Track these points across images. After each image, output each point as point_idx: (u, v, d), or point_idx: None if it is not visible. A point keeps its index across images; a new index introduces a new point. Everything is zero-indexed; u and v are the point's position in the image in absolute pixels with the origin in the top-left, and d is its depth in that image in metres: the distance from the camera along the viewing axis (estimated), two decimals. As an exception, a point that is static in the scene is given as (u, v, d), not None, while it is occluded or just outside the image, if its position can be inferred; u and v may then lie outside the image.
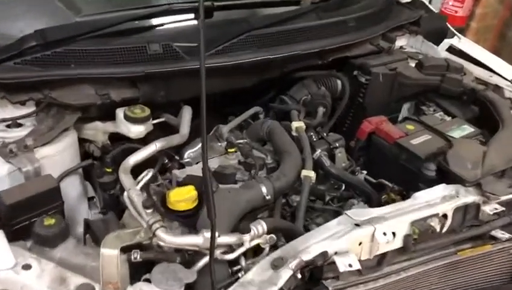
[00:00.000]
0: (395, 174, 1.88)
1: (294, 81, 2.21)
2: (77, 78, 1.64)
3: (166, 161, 1.80)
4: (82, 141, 1.81)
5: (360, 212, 1.51)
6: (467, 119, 2.14)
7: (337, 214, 1.79)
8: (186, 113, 1.80)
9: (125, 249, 1.28)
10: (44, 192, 1.39)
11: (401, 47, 2.53)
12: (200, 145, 1.94)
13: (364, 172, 1.95)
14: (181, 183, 1.72)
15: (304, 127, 1.86)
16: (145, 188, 1.53)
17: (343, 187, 1.89)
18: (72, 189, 1.65)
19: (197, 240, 1.31)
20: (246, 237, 1.32)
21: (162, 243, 1.31)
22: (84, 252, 1.28)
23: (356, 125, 2.19)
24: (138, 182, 1.49)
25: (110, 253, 1.24)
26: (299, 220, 1.60)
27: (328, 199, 1.87)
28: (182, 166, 1.84)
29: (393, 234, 1.46)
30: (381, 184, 1.87)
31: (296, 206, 1.65)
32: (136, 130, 1.65)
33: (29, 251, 1.23)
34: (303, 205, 1.63)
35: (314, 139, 1.89)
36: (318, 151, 1.82)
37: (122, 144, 1.71)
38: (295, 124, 1.85)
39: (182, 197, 1.58)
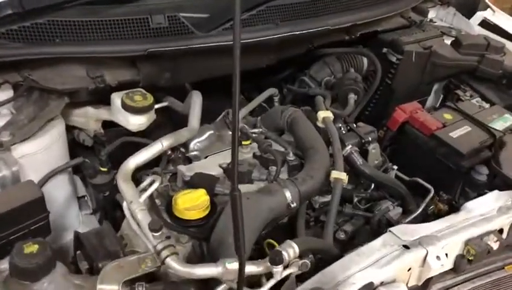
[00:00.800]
0: (429, 170, 1.64)
1: (314, 58, 1.93)
2: (64, 57, 1.34)
3: (169, 152, 1.54)
4: (70, 128, 1.53)
5: (406, 229, 1.27)
6: (505, 107, 1.89)
7: (366, 219, 1.57)
8: (196, 100, 1.51)
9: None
10: (24, 204, 1.12)
11: (430, 20, 2.24)
12: (208, 134, 1.68)
13: (395, 167, 1.70)
14: (189, 184, 1.46)
15: (332, 117, 1.59)
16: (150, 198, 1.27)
17: (372, 186, 1.64)
18: (60, 190, 1.38)
19: (217, 270, 1.06)
20: (278, 269, 1.07)
21: (172, 273, 1.06)
22: (76, 286, 1.03)
23: (381, 110, 1.93)
24: (141, 191, 1.22)
25: (110, 288, 0.98)
26: (328, 234, 1.35)
27: (355, 201, 1.62)
28: (187, 160, 1.57)
29: (446, 255, 1.23)
30: (415, 183, 1.63)
31: (327, 216, 1.40)
32: (137, 122, 1.37)
33: (4, 287, 0.97)
34: (333, 215, 1.38)
35: (343, 132, 1.63)
36: (348, 147, 1.56)
37: (118, 132, 1.42)
38: (322, 114, 1.58)
39: (192, 204, 1.33)
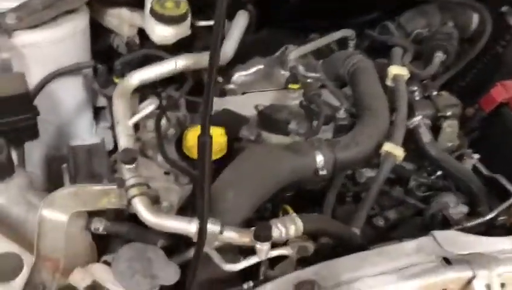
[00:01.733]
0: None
1: (410, 3, 1.55)
2: None
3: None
4: (106, 30, 1.36)
5: (456, 238, 0.96)
6: None
7: (418, 210, 1.26)
8: (240, 21, 1.25)
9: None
10: (5, 97, 0.98)
11: None
12: (256, 68, 1.43)
13: (476, 156, 1.34)
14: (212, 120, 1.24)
15: (407, 76, 1.25)
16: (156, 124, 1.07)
17: (438, 173, 1.31)
18: (70, 95, 1.23)
19: (188, 227, 0.85)
20: (263, 246, 0.83)
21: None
22: (29, 201, 0.87)
23: (482, 84, 1.52)
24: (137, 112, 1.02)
25: (55, 217, 0.82)
26: (360, 217, 1.08)
27: (412, 185, 1.31)
28: (222, 93, 1.34)
29: (502, 286, 0.91)
30: (495, 181, 1.27)
31: (365, 196, 1.12)
32: (161, 33, 1.15)
33: None
34: (371, 196, 1.10)
35: (416, 98, 1.29)
36: (417, 118, 1.23)
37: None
38: (394, 70, 1.25)
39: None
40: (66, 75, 1.16)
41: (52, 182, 1.19)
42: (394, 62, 1.28)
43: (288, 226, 0.88)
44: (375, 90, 1.24)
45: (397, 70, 1.25)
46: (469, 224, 1.19)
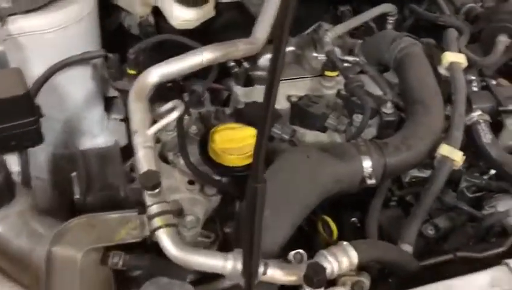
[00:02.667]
0: None
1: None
2: None
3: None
4: (116, 8, 1.19)
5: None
6: None
7: (472, 217, 1.11)
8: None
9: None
10: (2, 100, 0.82)
11: None
12: (287, 50, 1.25)
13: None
14: (239, 115, 1.09)
15: (465, 64, 1.08)
16: (178, 126, 0.92)
17: (492, 172, 1.16)
18: (77, 86, 1.08)
19: (223, 265, 0.71)
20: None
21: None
22: (33, 230, 0.73)
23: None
24: (156, 119, 0.86)
25: (66, 254, 0.68)
26: (411, 232, 0.94)
27: (463, 186, 1.16)
28: (247, 82, 1.18)
29: None
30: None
31: (416, 205, 0.97)
32: (181, 15, 0.98)
33: None
34: (424, 208, 0.95)
35: (474, 89, 1.12)
36: (476, 113, 1.07)
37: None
38: (450, 56, 1.08)
39: (234, 145, 0.97)
40: (72, 66, 1.01)
41: (60, 187, 1.06)
42: (449, 46, 1.10)
43: (341, 259, 0.74)
44: (428, 81, 1.07)
45: (454, 58, 1.07)
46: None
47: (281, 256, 0.83)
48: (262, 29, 1.02)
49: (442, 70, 1.10)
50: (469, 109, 1.09)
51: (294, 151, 0.99)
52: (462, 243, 1.08)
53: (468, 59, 1.09)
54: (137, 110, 0.82)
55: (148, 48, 1.01)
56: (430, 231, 1.08)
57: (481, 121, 1.07)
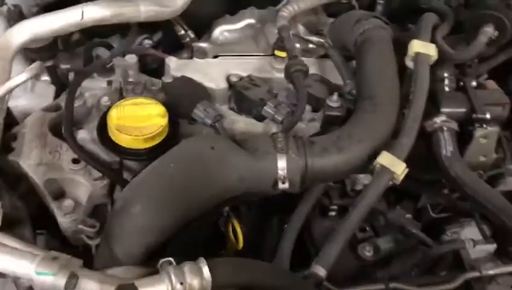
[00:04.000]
0: None
1: None
2: None
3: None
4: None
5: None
6: None
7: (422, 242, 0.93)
8: None
9: None
10: None
11: None
12: (246, 24, 1.10)
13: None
14: (165, 91, 0.94)
15: (433, 57, 0.88)
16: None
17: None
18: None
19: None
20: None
21: None
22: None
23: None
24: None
25: None
26: (328, 253, 0.77)
27: (422, 204, 0.98)
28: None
29: None
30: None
31: (339, 222, 0.80)
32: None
33: None
34: (348, 228, 0.78)
35: (447, 89, 0.92)
36: (440, 118, 0.87)
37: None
38: (416, 46, 0.88)
39: (132, 124, 0.83)
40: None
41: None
42: (421, 35, 0.90)
43: (190, 281, 0.59)
44: (385, 73, 0.89)
45: (421, 48, 0.87)
46: (494, 271, 0.87)
47: (150, 261, 0.70)
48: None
49: (408, 62, 0.90)
50: (435, 112, 0.89)
51: (197, 139, 0.84)
52: (404, 272, 0.91)
53: (441, 51, 0.89)
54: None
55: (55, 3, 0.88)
56: (367, 253, 0.91)
57: (445, 128, 0.87)
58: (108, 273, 0.61)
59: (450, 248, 0.89)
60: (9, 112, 0.94)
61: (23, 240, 0.79)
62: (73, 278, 0.54)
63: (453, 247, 0.89)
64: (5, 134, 0.85)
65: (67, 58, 1.16)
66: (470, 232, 0.95)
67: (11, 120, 0.97)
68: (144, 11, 0.79)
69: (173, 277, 0.59)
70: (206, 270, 0.60)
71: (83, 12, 0.73)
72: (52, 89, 1.09)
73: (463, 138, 0.90)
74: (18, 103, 1.07)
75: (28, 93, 1.09)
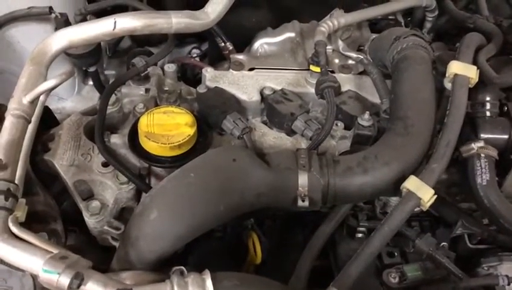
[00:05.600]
0: None
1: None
2: None
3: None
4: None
5: None
6: None
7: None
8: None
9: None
10: None
11: None
12: (286, 37, 1.10)
13: None
14: (199, 100, 0.96)
15: (474, 79, 0.83)
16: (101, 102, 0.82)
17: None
18: (35, 41, 1.02)
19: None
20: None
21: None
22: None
23: None
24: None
25: None
26: (348, 274, 0.74)
27: (457, 232, 0.93)
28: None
29: None
30: None
31: (361, 246, 0.77)
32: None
33: None
34: (369, 252, 0.75)
35: (488, 114, 0.87)
36: (477, 144, 0.83)
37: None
38: (456, 67, 0.84)
39: (161, 132, 0.85)
40: (26, 22, 0.95)
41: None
42: (461, 55, 0.86)
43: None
44: (420, 93, 0.85)
45: (460, 69, 0.83)
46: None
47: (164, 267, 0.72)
48: (217, 4, 0.87)
49: (446, 84, 0.86)
50: (472, 138, 0.85)
51: (220, 150, 0.84)
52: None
53: (483, 74, 0.84)
54: (27, 74, 0.73)
55: (99, 11, 0.92)
56: (393, 279, 0.88)
57: (482, 155, 0.82)
58: (114, 277, 0.62)
59: (481, 283, 0.83)
60: (51, 113, 0.99)
61: (54, 235, 0.85)
62: (77, 279, 0.56)
63: (484, 282, 0.83)
64: (44, 135, 0.90)
65: (115, 64, 1.23)
66: (509, 268, 0.89)
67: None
68: (176, 23, 0.81)
69: (175, 287, 0.59)
70: (209, 282, 0.60)
71: (115, 22, 0.75)
72: (98, 93, 1.14)
73: (503, 166, 0.85)
74: (65, 105, 1.14)
75: (75, 96, 1.15)
